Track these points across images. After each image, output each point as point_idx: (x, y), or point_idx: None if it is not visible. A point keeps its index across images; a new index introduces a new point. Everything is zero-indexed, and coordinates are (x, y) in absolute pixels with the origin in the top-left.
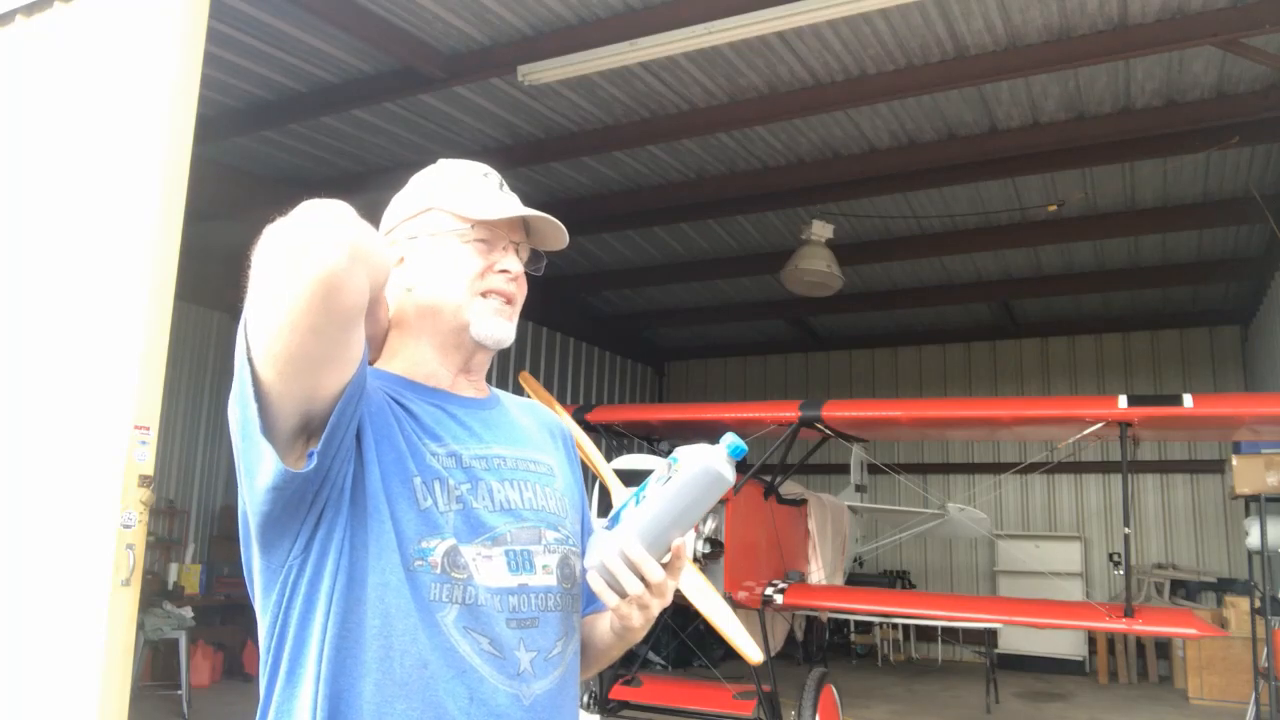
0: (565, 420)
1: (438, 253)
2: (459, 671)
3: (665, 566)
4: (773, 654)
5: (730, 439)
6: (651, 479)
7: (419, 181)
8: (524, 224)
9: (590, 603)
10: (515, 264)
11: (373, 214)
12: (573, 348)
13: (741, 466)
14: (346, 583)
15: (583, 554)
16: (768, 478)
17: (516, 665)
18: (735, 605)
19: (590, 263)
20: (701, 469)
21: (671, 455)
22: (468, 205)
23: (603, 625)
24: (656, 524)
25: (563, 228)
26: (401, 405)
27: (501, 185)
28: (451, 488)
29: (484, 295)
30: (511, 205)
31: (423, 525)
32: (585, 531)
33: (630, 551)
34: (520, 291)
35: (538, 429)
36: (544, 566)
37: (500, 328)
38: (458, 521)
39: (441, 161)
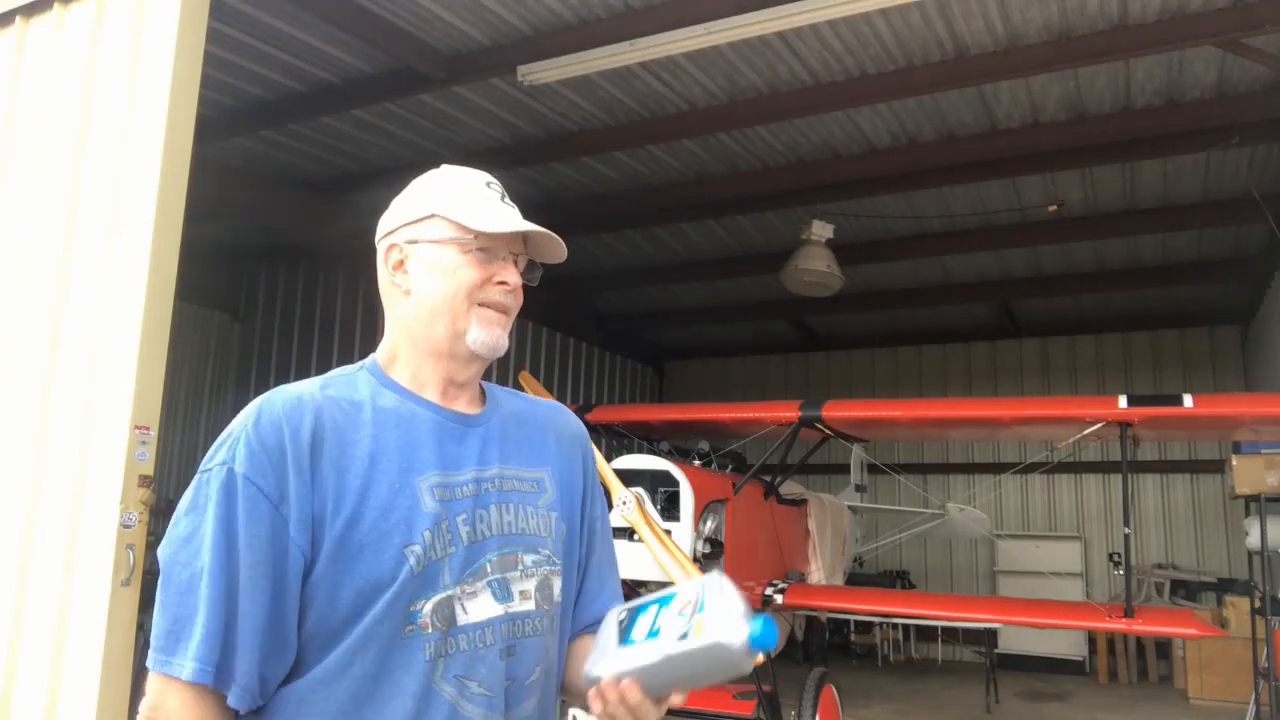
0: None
1: (438, 260)
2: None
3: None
4: (773, 654)
5: (756, 626)
6: (668, 619)
7: (422, 185)
8: (522, 234)
9: (584, 619)
10: (513, 276)
11: (372, 215)
12: (573, 348)
13: (741, 466)
14: (343, 666)
15: (567, 558)
16: (768, 478)
17: (502, 699)
18: None
19: (590, 263)
20: (718, 653)
21: (701, 589)
22: (471, 215)
23: None
24: (659, 681)
25: (562, 243)
26: (389, 439)
27: (503, 196)
28: (445, 529)
29: (481, 306)
30: (514, 219)
31: (417, 587)
32: (583, 534)
33: (630, 699)
34: (516, 303)
35: (536, 435)
36: (521, 592)
37: (495, 336)
38: (449, 564)
39: (445, 167)
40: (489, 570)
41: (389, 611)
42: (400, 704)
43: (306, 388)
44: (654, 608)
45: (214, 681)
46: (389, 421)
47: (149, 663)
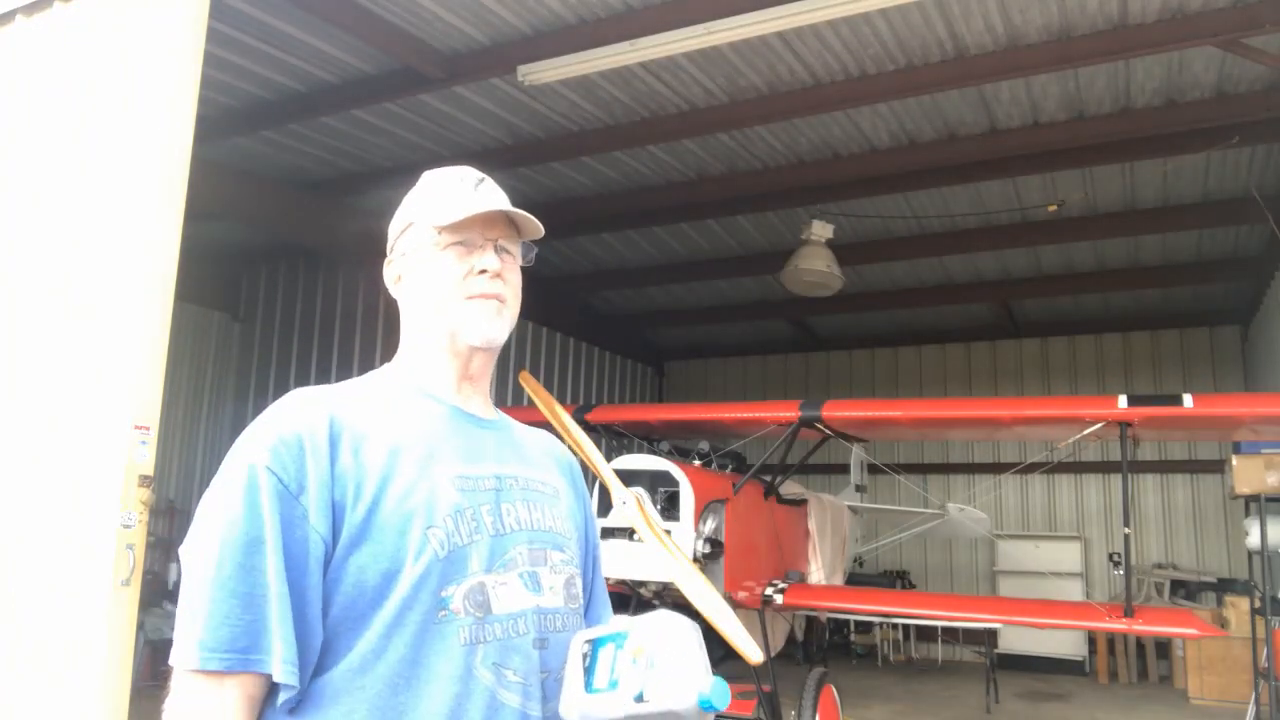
0: (569, 436)
1: (423, 264)
2: (491, 710)
3: None
4: (773, 654)
5: (707, 687)
6: (624, 666)
7: (406, 199)
8: (507, 217)
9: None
10: (493, 261)
11: (371, 216)
12: (573, 348)
13: (741, 466)
14: (380, 650)
15: (582, 573)
16: (768, 478)
17: (539, 689)
18: (735, 605)
19: (590, 263)
20: (671, 717)
21: (654, 634)
22: (438, 213)
23: None
24: None
25: (532, 217)
26: (409, 432)
27: (479, 184)
28: (469, 517)
29: (470, 299)
30: (475, 203)
31: (445, 571)
32: (589, 557)
33: None
34: (508, 287)
35: (543, 454)
36: (550, 588)
37: (489, 327)
38: (477, 551)
39: (426, 174)
40: (519, 562)
41: (417, 595)
42: (439, 689)
43: (325, 388)
44: (611, 646)
45: (236, 666)
46: (408, 416)
47: (171, 660)
